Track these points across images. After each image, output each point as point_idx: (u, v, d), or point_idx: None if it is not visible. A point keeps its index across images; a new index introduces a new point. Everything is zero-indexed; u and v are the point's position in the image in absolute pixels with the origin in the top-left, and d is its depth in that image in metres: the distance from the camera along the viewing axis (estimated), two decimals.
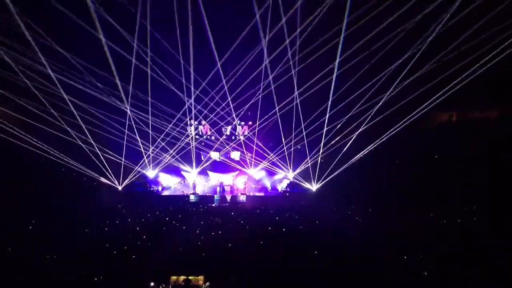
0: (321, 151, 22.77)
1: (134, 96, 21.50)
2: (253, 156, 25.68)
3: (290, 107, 22.25)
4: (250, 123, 25.88)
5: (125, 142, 22.41)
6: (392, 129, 20.34)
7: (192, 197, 24.07)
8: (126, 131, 22.34)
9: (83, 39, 17.34)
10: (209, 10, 16.81)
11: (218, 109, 23.77)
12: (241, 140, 26.24)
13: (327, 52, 18.47)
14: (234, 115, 24.68)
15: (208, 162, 26.88)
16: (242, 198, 24.23)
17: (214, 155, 26.74)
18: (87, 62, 18.70)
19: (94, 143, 21.67)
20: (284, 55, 19.19)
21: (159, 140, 23.81)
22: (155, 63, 19.86)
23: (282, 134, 23.80)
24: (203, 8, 16.47)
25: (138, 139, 23.12)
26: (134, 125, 22.36)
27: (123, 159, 22.68)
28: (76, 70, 18.81)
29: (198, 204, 21.84)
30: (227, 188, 26.54)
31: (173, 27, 17.58)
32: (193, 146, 25.51)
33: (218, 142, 26.28)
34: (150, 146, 23.72)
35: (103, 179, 22.67)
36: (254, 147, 25.52)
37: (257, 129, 25.25)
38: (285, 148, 24.12)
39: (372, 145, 21.26)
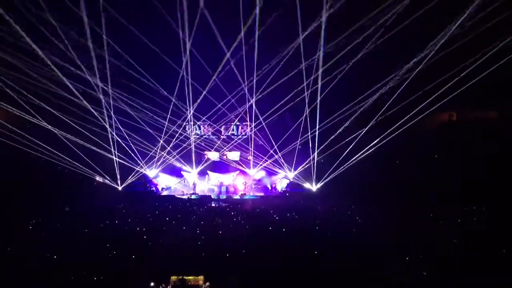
0: (320, 151, 22.83)
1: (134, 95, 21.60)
2: (252, 155, 25.70)
3: (290, 107, 22.31)
4: (248, 123, 25.87)
5: (112, 140, 22.43)
6: (392, 129, 20.36)
7: (192, 197, 24.19)
8: (125, 130, 22.42)
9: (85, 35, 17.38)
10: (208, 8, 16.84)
11: (218, 108, 23.84)
12: (240, 140, 26.29)
13: (328, 50, 18.49)
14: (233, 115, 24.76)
15: (208, 162, 26.92)
16: (246, 197, 24.38)
17: (213, 156, 26.75)
18: (87, 61, 18.71)
19: (94, 143, 21.71)
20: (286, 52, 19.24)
21: (160, 140, 23.84)
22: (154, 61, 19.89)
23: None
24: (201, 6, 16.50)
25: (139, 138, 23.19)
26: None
27: (120, 159, 22.71)
28: (77, 68, 18.87)
29: (198, 204, 21.85)
30: (231, 189, 26.58)
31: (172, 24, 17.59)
32: (192, 146, 25.56)
33: (219, 142, 26.31)
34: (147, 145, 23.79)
35: (103, 179, 22.68)
36: (251, 148, 25.52)
37: (255, 129, 25.28)
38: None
39: (372, 145, 21.27)
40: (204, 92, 21.67)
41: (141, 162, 23.91)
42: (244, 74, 20.39)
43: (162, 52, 19.09)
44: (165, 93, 21.81)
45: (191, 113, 23.96)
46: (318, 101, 20.95)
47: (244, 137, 26.42)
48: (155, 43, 18.49)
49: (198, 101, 22.38)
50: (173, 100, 22.21)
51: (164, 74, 20.81)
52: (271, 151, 24.64)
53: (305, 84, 20.35)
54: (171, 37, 18.25)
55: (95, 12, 16.14)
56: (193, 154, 26.10)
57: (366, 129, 21.25)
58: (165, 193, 25.69)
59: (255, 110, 23.47)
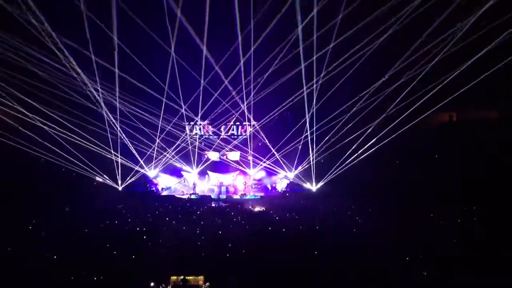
0: (321, 151, 22.85)
1: (135, 95, 21.61)
2: (252, 155, 25.73)
3: (290, 107, 22.33)
4: (251, 123, 25.88)
5: (115, 140, 22.40)
6: (393, 129, 20.34)
7: (192, 197, 24.25)
8: (126, 129, 22.42)
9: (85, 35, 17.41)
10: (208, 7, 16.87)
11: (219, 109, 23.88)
12: (241, 140, 26.34)
13: (328, 50, 18.50)
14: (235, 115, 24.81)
15: (208, 162, 26.93)
16: (248, 197, 24.42)
17: (213, 156, 26.75)
18: (88, 61, 18.70)
19: (94, 143, 21.71)
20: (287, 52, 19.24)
21: (157, 140, 23.80)
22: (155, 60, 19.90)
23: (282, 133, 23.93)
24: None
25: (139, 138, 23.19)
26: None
27: (120, 159, 22.73)
28: (77, 69, 18.87)
29: (198, 204, 21.89)
30: (231, 189, 26.60)
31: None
32: (196, 146, 25.63)
33: (218, 141, 26.35)
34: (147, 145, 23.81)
35: (103, 179, 22.69)
36: (250, 148, 25.55)
37: (255, 128, 25.33)
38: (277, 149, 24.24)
39: (372, 145, 21.26)
40: (208, 89, 21.71)
41: (141, 162, 23.90)
42: (247, 74, 20.49)
43: (163, 51, 19.14)
44: (167, 93, 21.86)
45: (199, 116, 24.08)
46: (313, 105, 21.03)
47: (244, 137, 26.46)
48: (155, 42, 18.51)
49: (191, 99, 22.41)
50: (164, 98, 22.22)
51: (165, 74, 20.80)
52: (274, 151, 24.58)
53: (315, 81, 20.31)
54: (172, 36, 18.27)
55: (98, 11, 16.18)
56: (193, 154, 26.14)
57: (365, 128, 21.22)
58: (165, 193, 25.69)
59: (255, 110, 23.53)
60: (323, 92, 20.68)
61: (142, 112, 22.32)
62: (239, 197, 24.77)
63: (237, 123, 26.35)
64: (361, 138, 21.40)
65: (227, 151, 26.65)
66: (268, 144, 24.73)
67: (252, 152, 25.63)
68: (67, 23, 16.76)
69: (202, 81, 21.02)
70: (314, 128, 22.34)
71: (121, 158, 22.74)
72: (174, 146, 24.85)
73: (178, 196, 24.42)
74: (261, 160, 25.45)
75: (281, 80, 20.79)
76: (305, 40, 18.00)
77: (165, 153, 24.70)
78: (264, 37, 18.02)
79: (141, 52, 19.46)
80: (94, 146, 21.67)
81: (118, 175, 22.89)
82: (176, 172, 26.80)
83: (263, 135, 24.61)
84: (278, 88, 21.36)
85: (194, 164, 26.30)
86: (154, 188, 25.53)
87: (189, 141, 25.47)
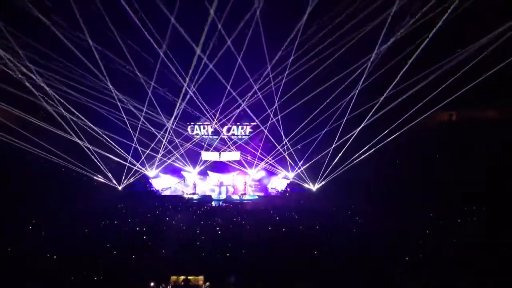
0: (321, 151, 22.87)
1: (135, 95, 21.61)
2: (252, 155, 25.74)
3: (290, 107, 22.34)
4: (253, 123, 25.90)
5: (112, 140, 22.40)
6: (393, 128, 20.33)
7: (194, 197, 24.29)
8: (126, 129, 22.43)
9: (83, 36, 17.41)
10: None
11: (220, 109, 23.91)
12: (241, 141, 26.36)
13: (328, 50, 18.50)
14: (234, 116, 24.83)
15: (208, 162, 26.93)
16: (248, 197, 24.40)
17: (213, 156, 26.76)
18: (87, 61, 18.69)
19: (94, 143, 21.70)
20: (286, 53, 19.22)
21: (147, 140, 23.80)
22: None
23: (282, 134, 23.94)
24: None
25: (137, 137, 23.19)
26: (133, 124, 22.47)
27: (120, 159, 22.73)
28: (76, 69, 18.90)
29: (199, 204, 21.89)
30: (231, 189, 26.62)
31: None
32: (196, 146, 25.66)
33: (218, 141, 26.39)
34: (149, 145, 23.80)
35: (103, 179, 22.67)
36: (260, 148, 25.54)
37: (256, 129, 25.37)
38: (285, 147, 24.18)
39: (372, 145, 21.25)
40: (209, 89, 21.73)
41: (141, 162, 23.90)
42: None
43: (164, 51, 19.13)
44: (167, 93, 21.86)
45: (209, 115, 24.07)
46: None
47: (245, 137, 26.49)
48: (158, 42, 18.50)
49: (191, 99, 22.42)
50: (166, 98, 22.22)
51: (166, 73, 20.79)
52: (281, 149, 24.56)
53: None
54: (175, 35, 18.24)
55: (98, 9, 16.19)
56: (194, 154, 26.15)
57: (366, 129, 21.21)
58: (167, 192, 25.72)
59: (255, 110, 23.53)
60: (324, 92, 20.71)
61: (142, 111, 22.31)
62: (239, 197, 24.79)
63: (238, 124, 26.38)
64: (361, 138, 21.41)
65: (228, 151, 26.66)
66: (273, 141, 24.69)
67: (254, 151, 25.64)
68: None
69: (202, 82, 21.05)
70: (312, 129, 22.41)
71: (121, 158, 22.75)
72: (175, 146, 24.87)
73: (185, 196, 24.50)
74: (262, 160, 25.47)
75: (281, 81, 20.78)
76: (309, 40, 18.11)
77: (165, 153, 24.70)
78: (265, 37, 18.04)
79: (142, 51, 19.45)
80: (94, 146, 21.66)
81: (118, 175, 22.89)
82: (176, 172, 26.81)
83: (267, 132, 24.61)
84: (278, 88, 21.36)
85: (194, 164, 26.32)
86: (154, 188, 25.54)
87: (193, 140, 25.54)
